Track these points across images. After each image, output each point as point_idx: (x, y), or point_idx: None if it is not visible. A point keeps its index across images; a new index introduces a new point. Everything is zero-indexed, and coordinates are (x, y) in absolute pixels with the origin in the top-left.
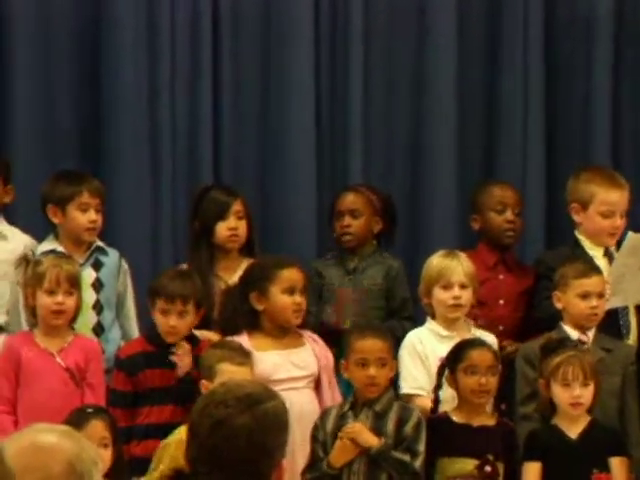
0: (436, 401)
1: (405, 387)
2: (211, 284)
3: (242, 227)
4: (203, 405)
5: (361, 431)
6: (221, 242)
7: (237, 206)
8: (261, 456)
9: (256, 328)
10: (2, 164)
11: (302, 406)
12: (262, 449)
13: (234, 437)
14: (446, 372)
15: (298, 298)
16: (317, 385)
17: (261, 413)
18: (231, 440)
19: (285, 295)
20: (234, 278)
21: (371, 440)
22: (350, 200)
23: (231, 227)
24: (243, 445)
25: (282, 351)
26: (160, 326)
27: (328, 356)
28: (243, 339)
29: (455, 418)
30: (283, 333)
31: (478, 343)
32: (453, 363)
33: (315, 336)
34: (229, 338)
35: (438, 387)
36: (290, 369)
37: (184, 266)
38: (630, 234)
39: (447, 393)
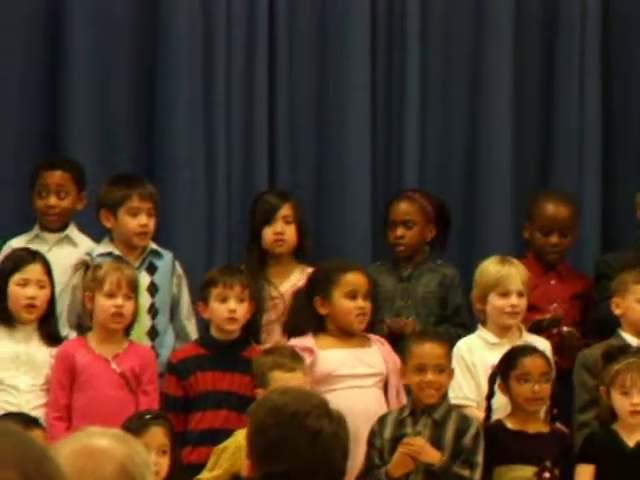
0: (488, 409)
1: (452, 397)
2: (261, 288)
3: (290, 232)
4: (287, 417)
5: (423, 447)
6: (268, 246)
7: (285, 210)
8: (346, 463)
9: (321, 330)
10: (78, 170)
11: (369, 406)
12: (346, 456)
13: (330, 447)
14: (498, 380)
15: (361, 302)
16: (385, 389)
17: (339, 419)
18: (328, 450)
19: (347, 299)
20: (285, 283)
21: (433, 456)
22: (403, 210)
23: (277, 232)
24: (338, 454)
25: (349, 349)
26: (218, 314)
27: (396, 360)
28: (309, 340)
29: (510, 425)
30: (349, 335)
31: (530, 350)
32: (505, 371)
33: (383, 340)
34: (285, 342)
35: (490, 395)
36: (357, 365)
37: None
38: None
39: (498, 401)
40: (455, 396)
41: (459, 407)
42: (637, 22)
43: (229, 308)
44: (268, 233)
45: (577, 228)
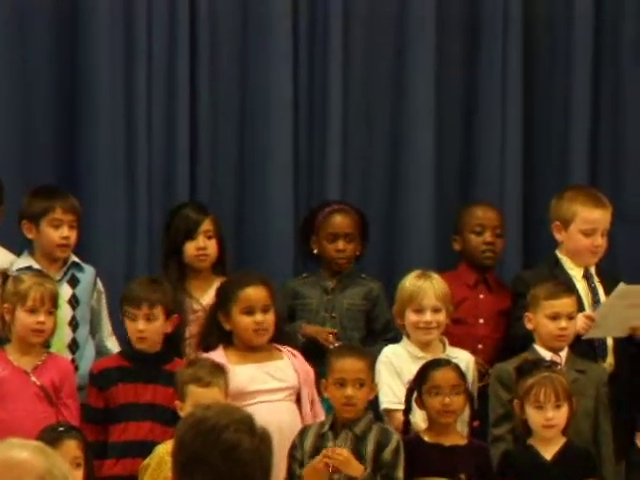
0: (406, 423)
1: (385, 402)
2: (182, 302)
3: (211, 246)
4: (204, 431)
5: (348, 459)
6: (190, 261)
7: (207, 225)
8: (268, 479)
9: (230, 344)
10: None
11: (281, 419)
12: (268, 472)
13: (248, 462)
14: (414, 394)
15: (259, 317)
16: (298, 400)
17: (262, 435)
18: (245, 465)
19: (244, 315)
20: (205, 297)
21: (356, 469)
22: (345, 223)
23: (200, 247)
24: (257, 469)
25: (259, 363)
26: (129, 331)
27: (308, 371)
28: (219, 354)
29: (426, 438)
30: (256, 349)
31: (441, 363)
32: (419, 384)
33: (294, 351)
34: (203, 355)
35: (407, 409)
36: (267, 380)
37: None
38: (621, 285)
39: (420, 414)
40: (388, 400)
41: (392, 412)
42: (559, 23)
43: (137, 328)
44: (190, 248)
45: (504, 235)
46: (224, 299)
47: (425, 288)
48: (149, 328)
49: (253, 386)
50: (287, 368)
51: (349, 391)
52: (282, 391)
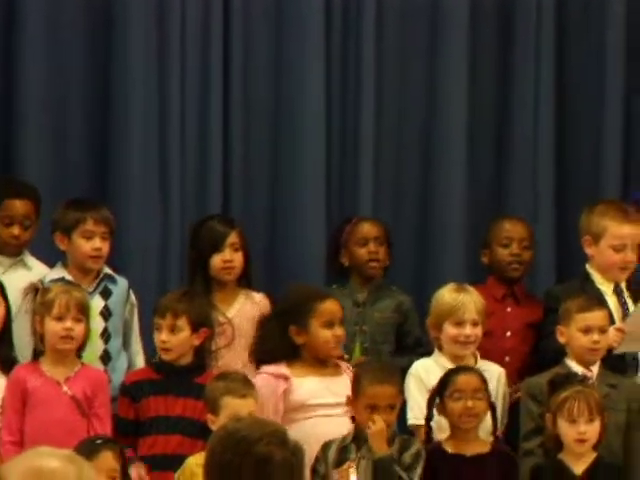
0: (428, 432)
1: (412, 418)
2: (210, 314)
3: (237, 259)
4: (234, 442)
5: (382, 432)
6: (216, 274)
7: (233, 238)
8: None
9: (295, 358)
10: (39, 199)
11: (337, 434)
12: None
13: (279, 475)
14: (437, 401)
15: (338, 330)
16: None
17: (294, 448)
18: (276, 478)
19: (325, 328)
20: (231, 310)
21: (382, 447)
22: (375, 229)
23: (226, 259)
24: None
25: (321, 377)
26: (156, 343)
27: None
28: (283, 367)
29: (448, 448)
30: (323, 363)
31: (464, 369)
32: (441, 391)
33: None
34: (251, 369)
35: (429, 417)
36: (326, 395)
37: None
38: None
39: (443, 423)
40: (414, 416)
41: (419, 427)
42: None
43: (160, 339)
44: (217, 261)
45: (533, 248)
46: (299, 312)
47: (466, 302)
48: (172, 339)
49: (314, 400)
50: (346, 384)
51: (382, 416)
52: (340, 406)
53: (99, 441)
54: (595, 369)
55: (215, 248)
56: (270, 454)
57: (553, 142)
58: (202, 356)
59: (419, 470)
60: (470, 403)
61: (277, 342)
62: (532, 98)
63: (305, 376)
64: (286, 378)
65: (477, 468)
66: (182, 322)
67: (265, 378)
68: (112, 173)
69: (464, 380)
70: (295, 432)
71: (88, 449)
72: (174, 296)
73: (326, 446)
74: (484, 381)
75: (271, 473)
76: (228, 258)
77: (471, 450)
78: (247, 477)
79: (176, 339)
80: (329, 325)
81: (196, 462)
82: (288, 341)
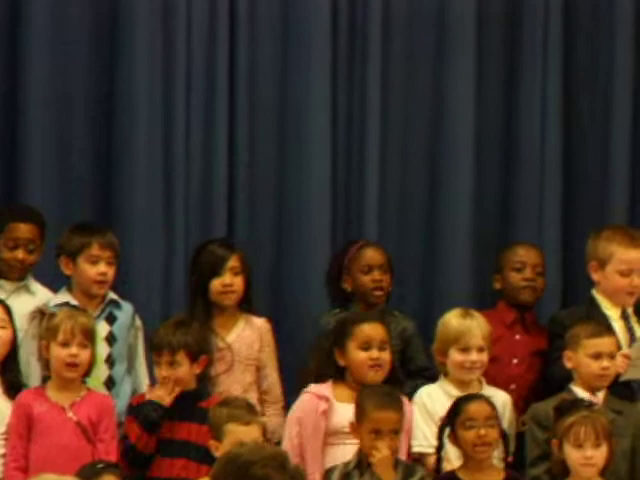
0: (438, 461)
1: (415, 445)
2: (208, 340)
3: (238, 283)
4: (235, 467)
5: (388, 460)
6: (215, 298)
7: (233, 262)
8: None
9: (341, 380)
10: (44, 223)
11: None
12: None
13: None
14: (447, 430)
15: (375, 353)
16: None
17: (295, 472)
18: None
19: (361, 350)
20: (231, 335)
21: (389, 475)
22: (379, 255)
23: (226, 283)
24: None
25: None
26: (157, 378)
27: (410, 419)
28: (326, 388)
29: (463, 476)
30: None
31: (474, 397)
32: (452, 420)
33: (404, 399)
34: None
35: (440, 447)
36: None
37: None
38: None
39: (455, 451)
40: (419, 444)
41: (423, 455)
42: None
43: (161, 374)
44: (216, 285)
45: (544, 276)
46: (341, 334)
47: (472, 328)
48: (172, 374)
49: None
50: None
51: (386, 442)
52: None
53: (100, 465)
54: (601, 395)
55: (215, 272)
56: (267, 477)
57: (560, 152)
58: (205, 381)
59: None
60: (483, 431)
61: (324, 362)
62: (539, 105)
63: (346, 401)
64: (327, 399)
65: None
66: (180, 357)
67: (308, 396)
68: (116, 194)
69: (475, 408)
70: (327, 456)
71: (90, 473)
72: (168, 329)
73: (329, 472)
74: (494, 408)
75: None
76: (228, 282)
77: (486, 478)
78: None
79: (176, 374)
80: (365, 348)
81: None
82: (335, 363)
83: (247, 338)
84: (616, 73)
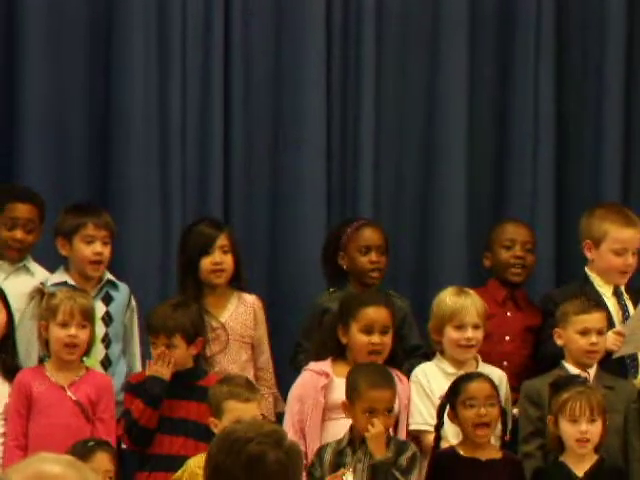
0: (437, 438)
1: (412, 423)
2: (204, 321)
3: (228, 261)
4: (229, 443)
5: (380, 435)
6: (205, 277)
7: (222, 240)
8: None
9: (341, 357)
10: (43, 204)
11: None
12: None
13: (271, 474)
14: (447, 408)
15: (376, 338)
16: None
17: (290, 449)
18: (269, 478)
19: (362, 334)
20: (224, 313)
21: (381, 451)
22: (377, 235)
23: (216, 262)
24: None
25: None
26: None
27: (407, 393)
28: (326, 363)
29: (462, 452)
30: None
31: (475, 376)
32: (452, 398)
33: (402, 375)
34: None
35: (439, 425)
36: None
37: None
38: None
39: (452, 429)
40: (415, 422)
41: (421, 433)
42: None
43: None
44: (206, 264)
45: (535, 253)
46: (345, 313)
47: (467, 305)
48: (172, 354)
49: None
50: None
51: (381, 420)
52: None
53: (92, 443)
54: (592, 371)
55: (204, 251)
56: (262, 454)
57: (553, 144)
58: (201, 360)
59: (415, 473)
60: (483, 410)
61: (326, 337)
62: (532, 101)
63: (345, 377)
64: (327, 375)
65: (491, 473)
66: (177, 340)
67: (308, 373)
68: (113, 179)
69: (476, 387)
70: (327, 431)
71: (83, 450)
72: (164, 312)
73: (321, 450)
74: (495, 387)
75: (263, 473)
76: (217, 260)
77: (486, 455)
78: (240, 477)
79: (172, 356)
80: (367, 331)
81: (197, 463)
82: (337, 340)
83: (241, 316)
84: (608, 73)
